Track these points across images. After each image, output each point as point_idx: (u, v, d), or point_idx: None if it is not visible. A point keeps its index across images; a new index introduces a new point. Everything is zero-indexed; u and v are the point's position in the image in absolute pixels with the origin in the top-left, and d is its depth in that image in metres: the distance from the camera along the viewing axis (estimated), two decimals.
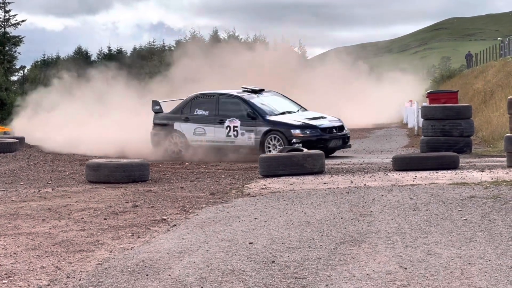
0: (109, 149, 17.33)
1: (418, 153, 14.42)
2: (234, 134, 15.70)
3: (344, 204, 8.51)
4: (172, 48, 52.41)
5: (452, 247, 6.10)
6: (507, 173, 10.70)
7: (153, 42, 61.77)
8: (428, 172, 11.25)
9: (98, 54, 60.25)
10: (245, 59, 28.01)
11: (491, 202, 8.15)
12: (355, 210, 8.09)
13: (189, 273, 5.56)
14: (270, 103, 16.33)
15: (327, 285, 5.11)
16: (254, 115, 15.58)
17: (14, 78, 53.95)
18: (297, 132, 15.06)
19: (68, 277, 5.63)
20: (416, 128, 23.89)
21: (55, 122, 23.26)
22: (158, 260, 6.02)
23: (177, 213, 8.55)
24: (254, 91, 16.58)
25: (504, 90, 27.21)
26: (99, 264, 6.02)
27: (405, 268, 5.46)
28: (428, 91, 27.81)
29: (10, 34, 52.26)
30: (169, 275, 5.55)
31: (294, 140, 14.83)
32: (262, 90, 16.84)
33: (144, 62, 49.32)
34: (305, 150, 12.79)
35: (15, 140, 19.94)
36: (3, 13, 52.17)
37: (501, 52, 48.66)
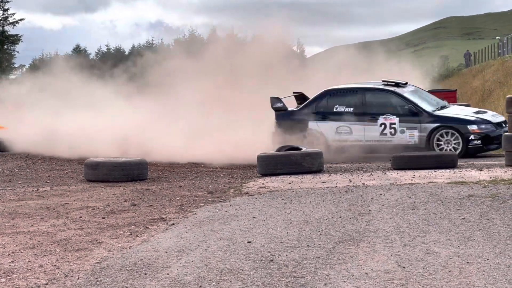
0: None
1: (416, 152, 14.41)
2: (390, 132, 14.33)
3: (343, 203, 8.51)
4: (171, 46, 52.30)
5: (451, 246, 6.10)
6: (506, 172, 10.71)
7: (152, 40, 61.82)
8: (426, 171, 11.26)
9: (96, 52, 60.31)
10: (243, 57, 27.92)
11: (490, 201, 8.15)
12: (354, 209, 8.09)
13: (188, 272, 5.56)
14: (423, 97, 15.09)
15: (325, 284, 5.11)
16: (417, 110, 14.26)
17: (12, 76, 53.94)
18: (474, 127, 13.89)
19: (66, 276, 5.62)
20: None
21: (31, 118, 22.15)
22: (156, 259, 6.02)
23: (175, 212, 8.54)
24: (397, 85, 15.03)
25: (502, 88, 27.24)
26: (98, 263, 6.02)
27: (404, 267, 5.46)
28: (427, 89, 27.78)
29: (9, 33, 52.27)
30: (168, 274, 5.54)
31: (472, 137, 13.79)
32: (406, 83, 15.37)
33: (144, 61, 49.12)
34: (304, 148, 12.67)
35: None
36: (1, 12, 52.22)
37: (499, 51, 48.67)
